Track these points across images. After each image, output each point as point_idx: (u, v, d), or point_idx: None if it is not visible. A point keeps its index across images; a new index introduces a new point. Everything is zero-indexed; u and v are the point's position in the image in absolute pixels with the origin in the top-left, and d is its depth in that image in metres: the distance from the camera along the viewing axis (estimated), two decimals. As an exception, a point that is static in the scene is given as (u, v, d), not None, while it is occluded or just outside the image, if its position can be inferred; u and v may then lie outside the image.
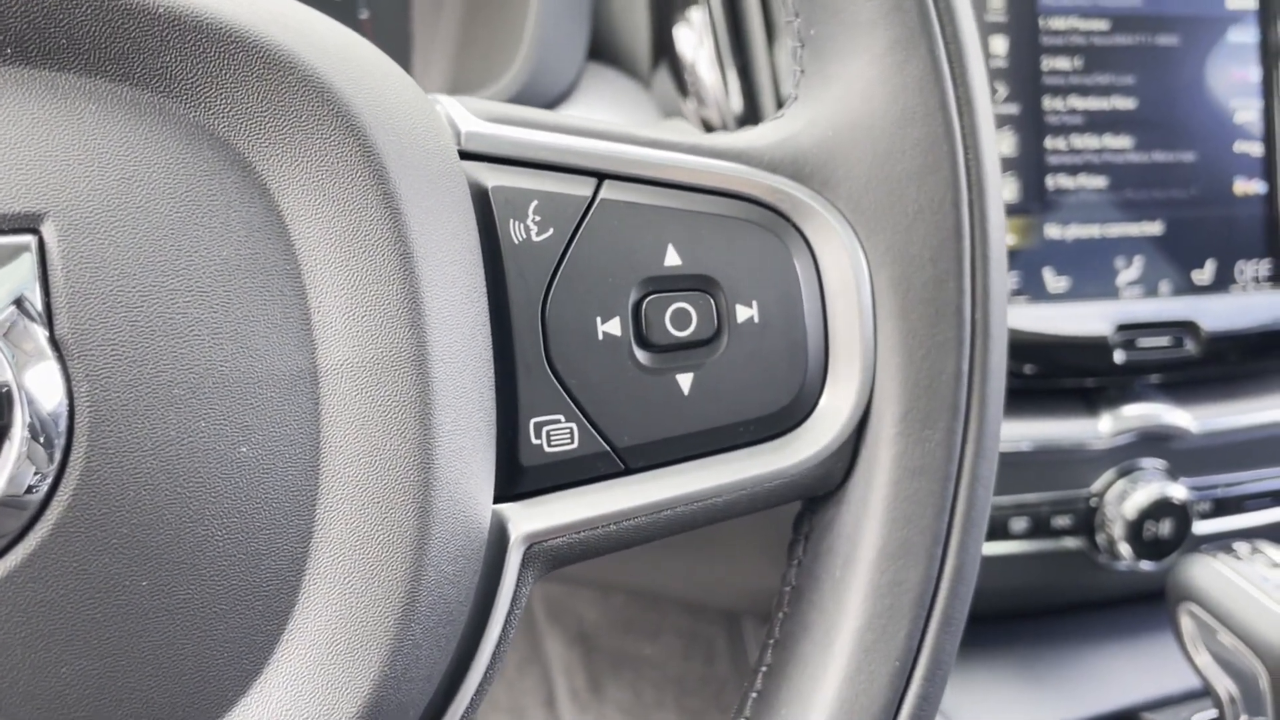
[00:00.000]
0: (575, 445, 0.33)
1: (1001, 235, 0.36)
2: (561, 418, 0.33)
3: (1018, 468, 0.65)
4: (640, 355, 0.34)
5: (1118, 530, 0.66)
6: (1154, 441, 0.67)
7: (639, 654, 1.02)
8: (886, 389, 0.35)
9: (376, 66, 0.31)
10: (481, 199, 0.32)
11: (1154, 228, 0.68)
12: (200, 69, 0.28)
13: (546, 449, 0.33)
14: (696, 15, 0.69)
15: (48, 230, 0.27)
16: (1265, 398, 0.70)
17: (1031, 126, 0.66)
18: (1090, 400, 0.67)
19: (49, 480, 0.27)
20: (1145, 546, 0.65)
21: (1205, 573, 0.58)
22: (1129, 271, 0.68)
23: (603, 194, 0.34)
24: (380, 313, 0.29)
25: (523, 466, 0.33)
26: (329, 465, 0.29)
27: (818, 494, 0.37)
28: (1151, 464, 0.67)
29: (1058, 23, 0.66)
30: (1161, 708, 0.68)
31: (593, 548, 0.33)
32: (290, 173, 0.29)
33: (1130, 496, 0.65)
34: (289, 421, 0.28)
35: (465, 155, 0.33)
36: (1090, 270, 0.67)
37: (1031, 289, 0.66)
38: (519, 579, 0.32)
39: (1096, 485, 0.67)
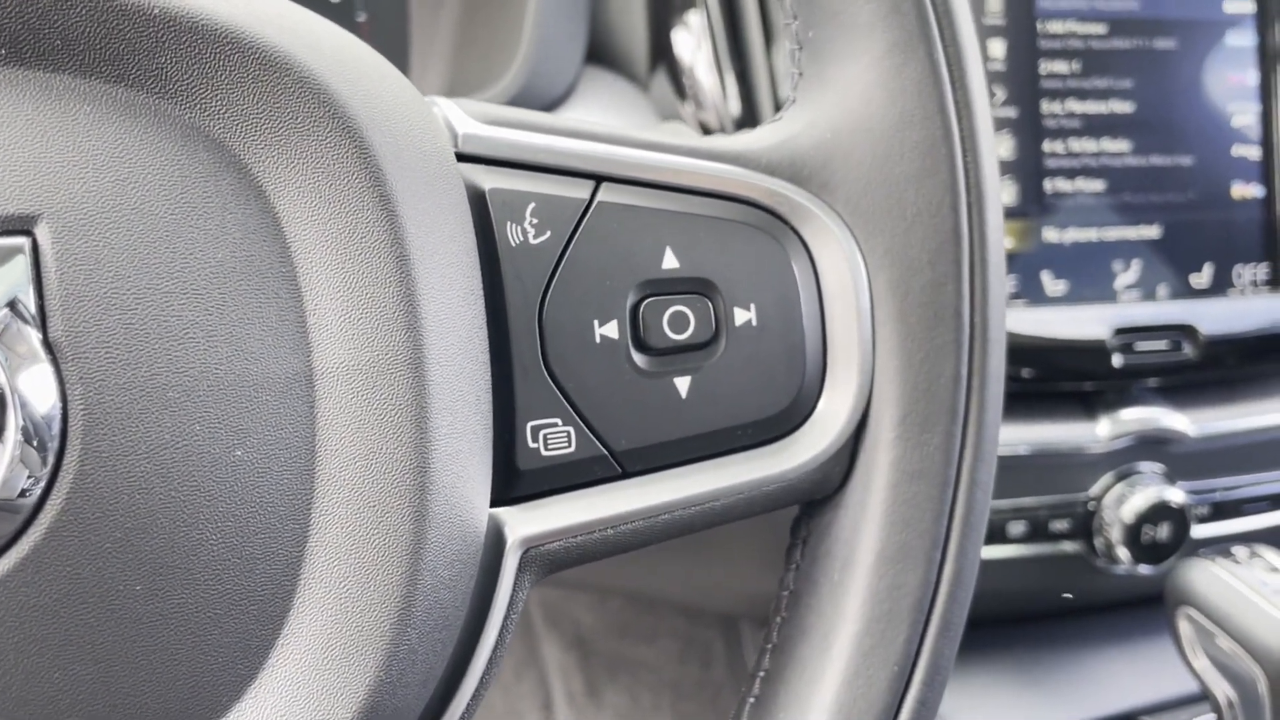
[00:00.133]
0: (572, 449, 0.33)
1: (1000, 238, 0.36)
2: (558, 421, 0.33)
3: (1016, 471, 0.65)
4: (638, 358, 0.34)
5: (1116, 534, 0.65)
6: (1152, 445, 0.67)
7: (636, 658, 1.02)
8: (885, 392, 0.35)
9: (373, 68, 0.31)
10: (479, 201, 0.32)
11: (1152, 231, 0.68)
12: (196, 70, 0.28)
13: (543, 452, 0.33)
14: (694, 18, 0.69)
15: (41, 232, 0.27)
16: (1263, 401, 0.70)
17: (1030, 130, 0.66)
18: (1088, 404, 0.67)
19: (42, 484, 0.27)
20: (1143, 550, 0.65)
21: (1203, 577, 0.58)
22: (1127, 275, 0.68)
23: (600, 196, 0.34)
24: (376, 315, 0.29)
25: (519, 470, 0.32)
26: (324, 469, 0.29)
27: (816, 498, 0.37)
28: (1149, 468, 0.67)
29: (1056, 26, 0.66)
30: (1159, 712, 0.68)
31: (590, 552, 0.33)
32: (286, 175, 0.29)
33: (1128, 500, 0.65)
34: (284, 425, 0.28)
35: (462, 157, 0.33)
36: (1088, 274, 0.67)
37: (1029, 292, 0.66)
38: (515, 583, 0.32)
39: (1094, 489, 0.67)
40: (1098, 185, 0.67)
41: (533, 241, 0.33)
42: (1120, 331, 0.65)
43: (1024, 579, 0.68)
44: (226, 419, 0.28)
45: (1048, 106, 0.66)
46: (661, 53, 0.72)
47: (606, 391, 0.33)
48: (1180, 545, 0.65)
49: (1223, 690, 0.57)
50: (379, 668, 0.28)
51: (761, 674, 0.37)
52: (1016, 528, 0.67)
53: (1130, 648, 0.71)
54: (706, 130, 0.69)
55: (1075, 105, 0.67)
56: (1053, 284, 0.66)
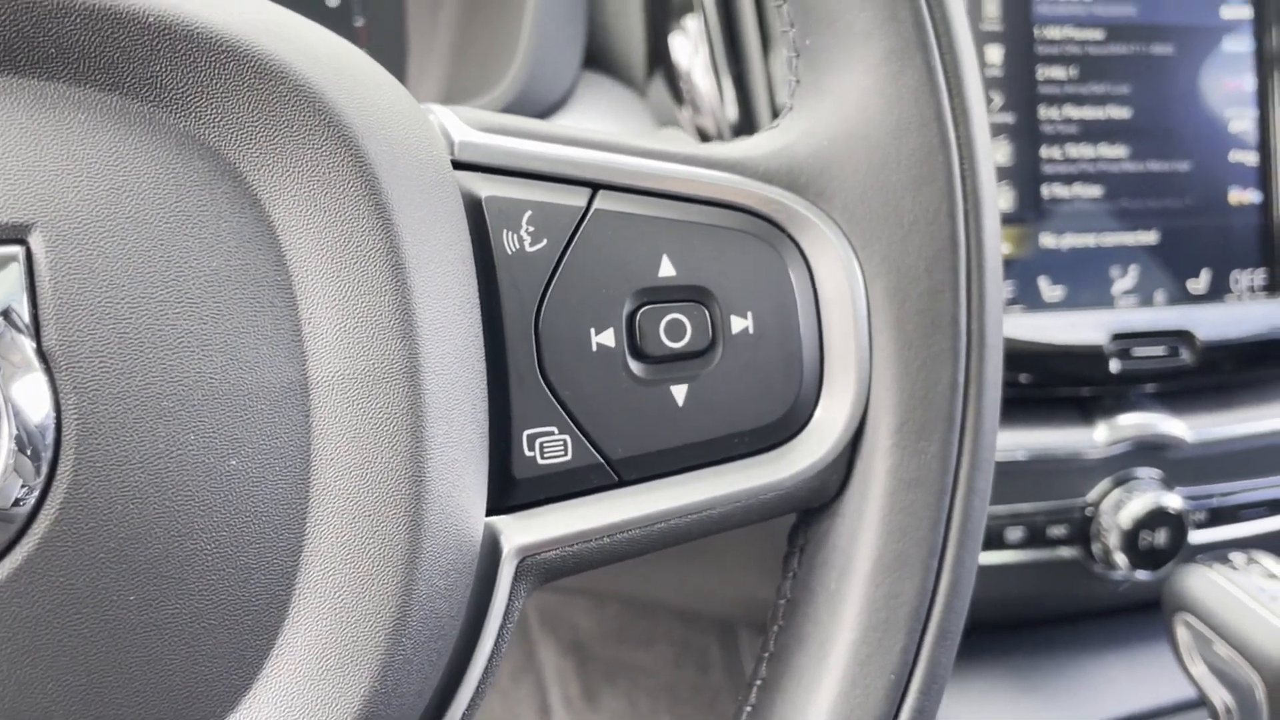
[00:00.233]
0: (569, 457, 0.33)
1: (997, 246, 0.36)
2: (555, 429, 0.33)
3: (1013, 477, 0.65)
4: (634, 366, 0.34)
5: (1113, 540, 0.65)
6: (1149, 451, 0.67)
7: (633, 663, 1.02)
8: (882, 400, 0.35)
9: (369, 76, 0.31)
10: (475, 209, 0.32)
11: (1149, 237, 0.68)
12: (191, 78, 0.28)
13: (540, 461, 0.33)
14: (692, 23, 0.69)
15: (35, 241, 0.27)
16: (1260, 407, 0.70)
17: (1027, 136, 0.66)
18: (1085, 409, 0.67)
19: (36, 493, 0.26)
20: (1141, 556, 0.65)
21: (1201, 583, 0.57)
22: (1124, 281, 0.68)
23: (597, 204, 0.34)
24: (372, 324, 0.29)
25: (515, 479, 0.32)
26: (319, 478, 0.28)
27: (813, 506, 0.37)
28: (1147, 473, 0.67)
29: (1053, 32, 0.66)
30: (1157, 718, 0.67)
31: (586, 561, 0.33)
32: (281, 183, 0.29)
33: (1126, 506, 0.65)
34: (279, 434, 0.28)
35: (459, 165, 0.33)
36: (1085, 279, 0.67)
37: (1027, 298, 0.66)
38: (511, 592, 0.32)
39: (1092, 494, 0.67)
40: (1095, 191, 0.67)
41: (529, 249, 0.33)
42: (1118, 337, 0.65)
43: (1021, 585, 0.68)
44: (221, 428, 0.28)
45: (1045, 112, 0.66)
46: (659, 57, 0.71)
47: (603, 400, 0.33)
48: (1178, 551, 0.65)
49: (1220, 697, 0.57)
50: (374, 678, 0.28)
51: (759, 682, 0.37)
52: (1014, 533, 0.66)
53: (1128, 654, 0.71)
54: (704, 135, 0.69)
55: (1073, 111, 0.67)
56: (1050, 289, 0.66)
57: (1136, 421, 0.66)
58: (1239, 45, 0.70)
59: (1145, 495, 0.65)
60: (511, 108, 0.66)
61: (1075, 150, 0.67)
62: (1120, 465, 0.67)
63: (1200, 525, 0.68)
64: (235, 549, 0.28)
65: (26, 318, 0.27)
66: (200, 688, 0.28)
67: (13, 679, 0.26)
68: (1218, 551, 0.62)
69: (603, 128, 0.69)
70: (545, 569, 0.33)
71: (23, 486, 0.26)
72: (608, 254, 0.34)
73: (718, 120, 0.68)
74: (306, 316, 0.29)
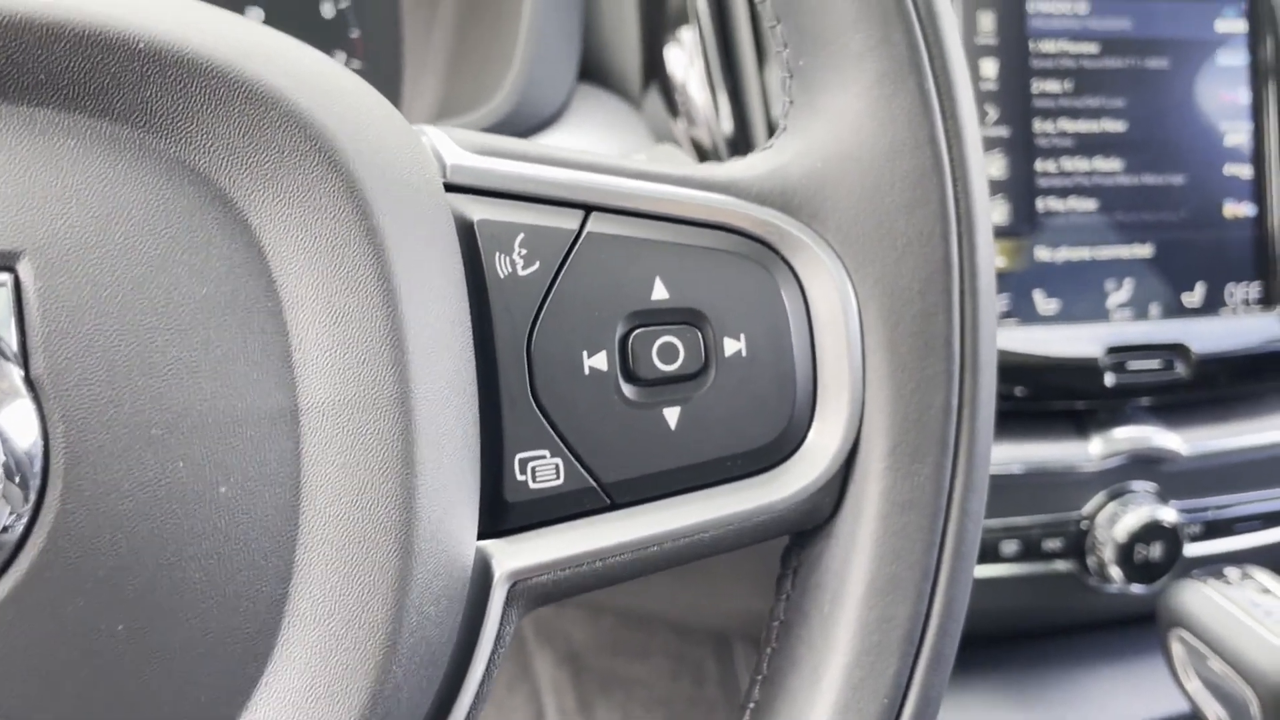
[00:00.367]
0: (561, 481, 0.33)
1: (990, 267, 0.36)
2: (547, 453, 0.33)
3: (1008, 490, 0.65)
4: (627, 390, 0.34)
5: (1108, 553, 0.65)
6: (1144, 464, 0.67)
7: (629, 675, 1.02)
8: (875, 423, 0.35)
9: (360, 99, 0.31)
10: (467, 232, 0.32)
11: (1144, 250, 0.68)
12: (180, 104, 0.28)
13: (531, 485, 0.32)
14: (687, 35, 0.69)
15: (24, 268, 0.27)
16: (1255, 420, 0.70)
17: (1022, 149, 0.66)
18: (1080, 423, 0.67)
19: (24, 521, 0.26)
20: (1136, 569, 0.65)
21: (1196, 598, 0.58)
22: (1119, 294, 0.68)
23: (589, 227, 0.34)
24: (362, 350, 0.28)
25: (507, 503, 0.32)
26: (309, 505, 0.28)
27: (806, 528, 0.37)
28: (1142, 486, 0.67)
29: (1048, 46, 0.66)
30: (1152, 732, 0.67)
31: (578, 585, 0.33)
32: (272, 208, 0.28)
33: (1121, 519, 0.65)
34: (269, 461, 0.28)
35: (451, 188, 0.33)
36: (1080, 293, 0.67)
37: (1022, 311, 0.66)
38: (503, 617, 0.32)
39: (1087, 508, 0.67)
40: (1090, 204, 0.67)
41: (521, 273, 0.32)
42: (1112, 350, 0.65)
43: (1016, 598, 0.68)
44: (210, 455, 0.27)
45: (1040, 126, 0.66)
46: (654, 70, 0.71)
47: (595, 423, 0.33)
48: (1173, 564, 0.65)
49: (1215, 712, 0.57)
50: (364, 705, 0.28)
51: (752, 705, 0.37)
52: (1009, 547, 0.66)
53: (1123, 667, 0.71)
54: (699, 148, 0.69)
55: (1067, 124, 0.67)
56: (1045, 303, 0.66)
57: (1131, 435, 0.66)
58: (1233, 59, 0.70)
59: (1140, 509, 0.65)
60: (508, 120, 0.66)
61: (1070, 164, 0.67)
62: (1115, 478, 0.67)
63: (1195, 538, 0.69)
64: (225, 577, 0.28)
65: (14, 345, 0.27)
66: (190, 716, 0.28)
67: (0, 709, 0.26)
68: (1213, 566, 0.62)
69: (598, 140, 0.69)
70: (537, 593, 0.32)
71: (10, 514, 0.26)
72: (600, 277, 0.33)
73: (713, 133, 0.68)
74: (297, 343, 0.28)
